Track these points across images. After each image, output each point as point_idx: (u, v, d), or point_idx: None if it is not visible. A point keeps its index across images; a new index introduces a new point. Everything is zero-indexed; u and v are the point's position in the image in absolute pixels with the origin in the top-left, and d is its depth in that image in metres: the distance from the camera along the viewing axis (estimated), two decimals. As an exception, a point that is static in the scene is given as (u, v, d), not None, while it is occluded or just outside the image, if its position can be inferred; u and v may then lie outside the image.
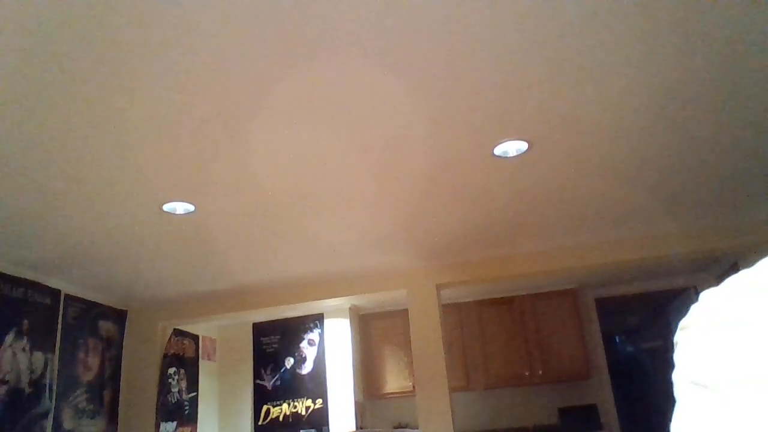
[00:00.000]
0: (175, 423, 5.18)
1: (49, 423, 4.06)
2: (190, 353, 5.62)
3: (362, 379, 5.93)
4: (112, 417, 4.78)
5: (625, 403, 6.81)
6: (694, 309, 0.54)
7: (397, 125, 2.57)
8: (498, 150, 2.86)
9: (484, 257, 4.73)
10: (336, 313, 5.86)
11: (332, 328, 5.87)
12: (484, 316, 6.04)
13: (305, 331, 5.91)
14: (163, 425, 4.99)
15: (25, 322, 3.95)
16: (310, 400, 5.70)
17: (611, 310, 6.54)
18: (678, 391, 0.52)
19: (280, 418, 5.74)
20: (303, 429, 5.62)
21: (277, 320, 5.97)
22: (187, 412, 5.41)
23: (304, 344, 5.89)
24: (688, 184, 3.52)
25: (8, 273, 3.86)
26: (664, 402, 6.98)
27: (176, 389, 5.29)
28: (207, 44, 1.94)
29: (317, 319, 5.89)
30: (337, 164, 2.89)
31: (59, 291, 4.32)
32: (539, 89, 2.36)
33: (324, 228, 3.76)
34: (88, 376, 4.54)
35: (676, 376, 0.53)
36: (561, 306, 5.92)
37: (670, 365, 0.54)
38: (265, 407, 5.83)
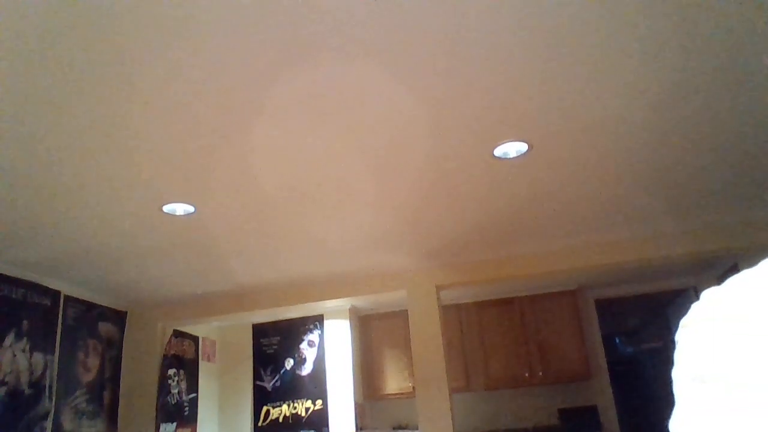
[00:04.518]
0: (174, 424, 5.18)
1: (48, 424, 4.06)
2: (190, 354, 5.62)
3: (362, 380, 5.92)
4: (112, 418, 4.78)
5: (625, 404, 6.81)
6: (695, 307, 0.54)
7: (397, 125, 2.57)
8: (498, 150, 2.87)
9: (483, 258, 4.73)
10: (336, 314, 5.85)
11: (332, 329, 5.86)
12: (484, 317, 6.04)
13: (305, 332, 5.91)
14: (163, 426, 4.98)
15: (25, 323, 3.95)
16: (309, 401, 5.70)
17: (611, 311, 6.54)
18: (677, 387, 0.52)
19: (280, 419, 5.74)
20: (303, 430, 5.62)
21: (277, 321, 5.97)
22: (187, 413, 5.41)
23: (303, 345, 5.89)
24: (688, 184, 3.52)
25: (8, 273, 3.86)
26: (664, 402, 6.98)
27: (176, 390, 5.28)
28: (207, 45, 1.94)
29: (317, 320, 5.89)
30: (337, 164, 2.89)
31: (59, 292, 4.32)
32: (539, 89, 2.36)
33: (324, 228, 3.76)
34: (87, 377, 4.54)
35: (676, 373, 0.52)
36: (561, 307, 5.92)
37: (670, 365, 0.54)
38: (264, 408, 5.83)
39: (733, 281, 0.52)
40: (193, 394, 5.57)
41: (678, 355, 0.53)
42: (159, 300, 5.03)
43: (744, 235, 4.41)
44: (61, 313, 4.31)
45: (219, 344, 6.26)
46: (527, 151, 2.89)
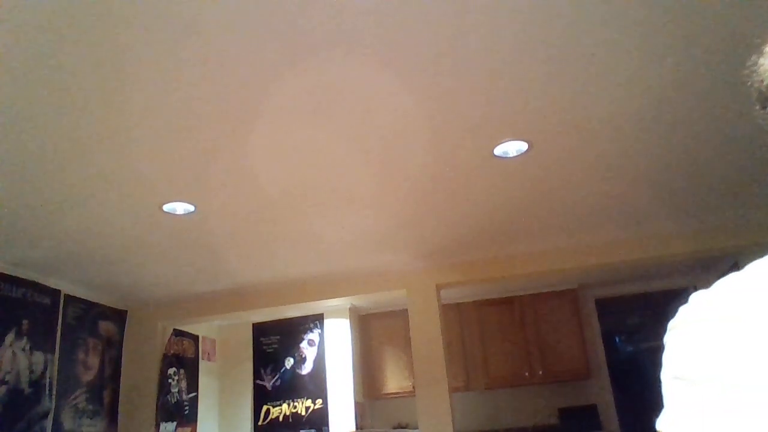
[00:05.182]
0: (174, 423, 5.18)
1: (48, 423, 4.06)
2: (189, 353, 5.62)
3: (362, 380, 5.92)
4: (112, 417, 4.78)
5: (625, 403, 6.80)
6: (683, 309, 0.54)
7: (398, 125, 2.57)
8: (498, 150, 2.86)
9: (483, 257, 4.73)
10: (336, 313, 5.85)
11: (332, 328, 5.87)
12: (483, 316, 6.04)
13: (305, 332, 5.91)
14: (163, 425, 4.98)
15: (25, 322, 3.95)
16: (309, 401, 5.70)
17: (611, 310, 6.53)
18: (666, 389, 0.52)
19: (280, 419, 5.74)
20: (303, 429, 5.62)
21: (277, 320, 5.97)
22: (186, 412, 5.41)
23: (303, 344, 5.89)
24: (688, 184, 3.52)
25: (8, 273, 3.86)
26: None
27: (176, 389, 5.29)
28: (207, 44, 1.94)
29: (317, 320, 5.89)
30: (338, 164, 2.89)
31: (59, 291, 4.32)
32: (539, 89, 2.36)
33: (324, 228, 3.76)
34: (88, 376, 4.54)
35: (665, 375, 0.53)
36: (561, 306, 5.92)
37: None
38: (264, 407, 5.83)
39: (722, 284, 0.52)
40: (193, 393, 5.57)
41: (667, 357, 0.53)
42: (159, 299, 5.03)
43: (744, 235, 4.41)
44: (61, 312, 4.31)
45: (219, 343, 6.26)
46: (527, 150, 2.89)
